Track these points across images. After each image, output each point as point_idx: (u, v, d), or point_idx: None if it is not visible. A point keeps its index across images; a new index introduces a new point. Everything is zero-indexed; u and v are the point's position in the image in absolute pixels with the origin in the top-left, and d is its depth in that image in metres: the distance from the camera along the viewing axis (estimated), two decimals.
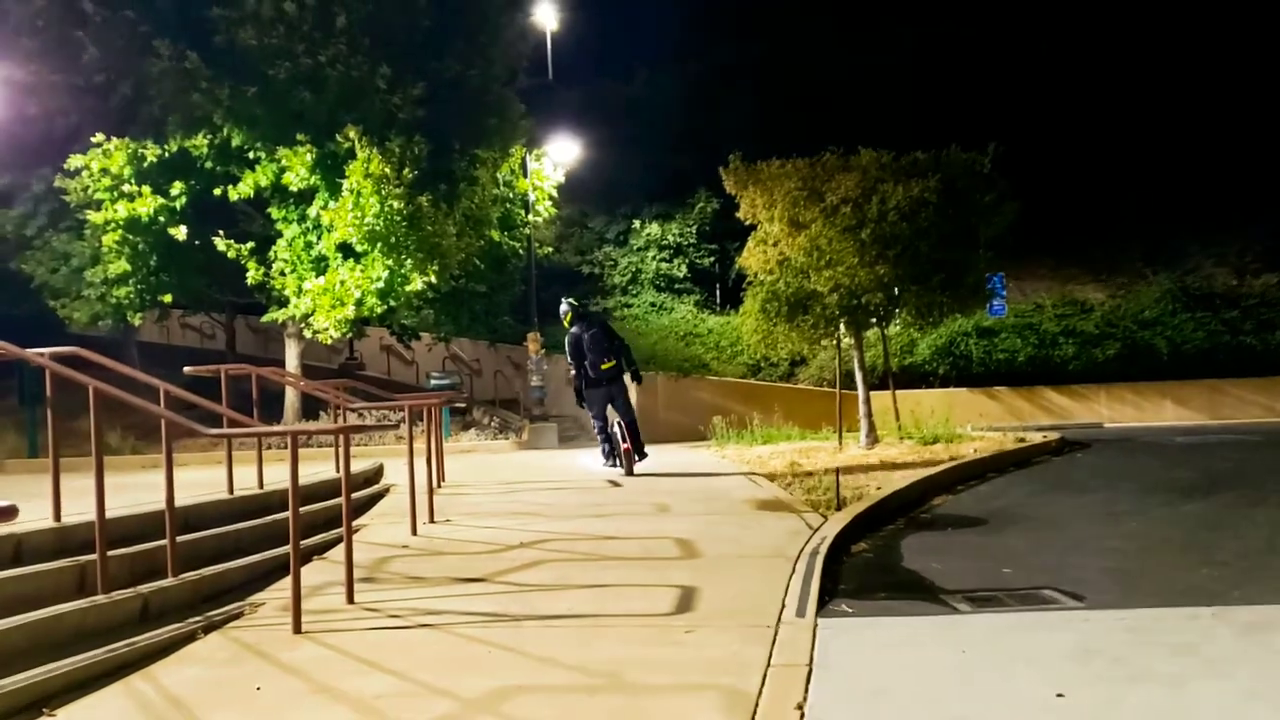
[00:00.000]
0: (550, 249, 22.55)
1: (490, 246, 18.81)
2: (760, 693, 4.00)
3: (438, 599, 5.94)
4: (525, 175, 19.89)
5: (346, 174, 15.53)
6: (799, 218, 13.84)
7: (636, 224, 25.70)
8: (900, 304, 14.32)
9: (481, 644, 4.96)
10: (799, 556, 6.60)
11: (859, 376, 14.71)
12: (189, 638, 5.27)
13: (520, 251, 20.19)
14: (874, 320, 14.80)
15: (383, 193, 15.29)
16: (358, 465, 10.30)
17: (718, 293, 25.80)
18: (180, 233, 17.41)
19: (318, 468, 10.12)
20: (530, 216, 20.10)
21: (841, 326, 14.51)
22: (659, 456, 12.93)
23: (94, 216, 17.54)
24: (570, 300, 12.78)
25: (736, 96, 26.94)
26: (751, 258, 14.63)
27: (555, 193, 20.38)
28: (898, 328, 17.28)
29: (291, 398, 18.67)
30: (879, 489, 9.73)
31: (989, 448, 13.53)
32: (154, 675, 4.67)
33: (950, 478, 11.12)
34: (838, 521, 7.85)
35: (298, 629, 5.27)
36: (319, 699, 4.25)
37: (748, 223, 14.83)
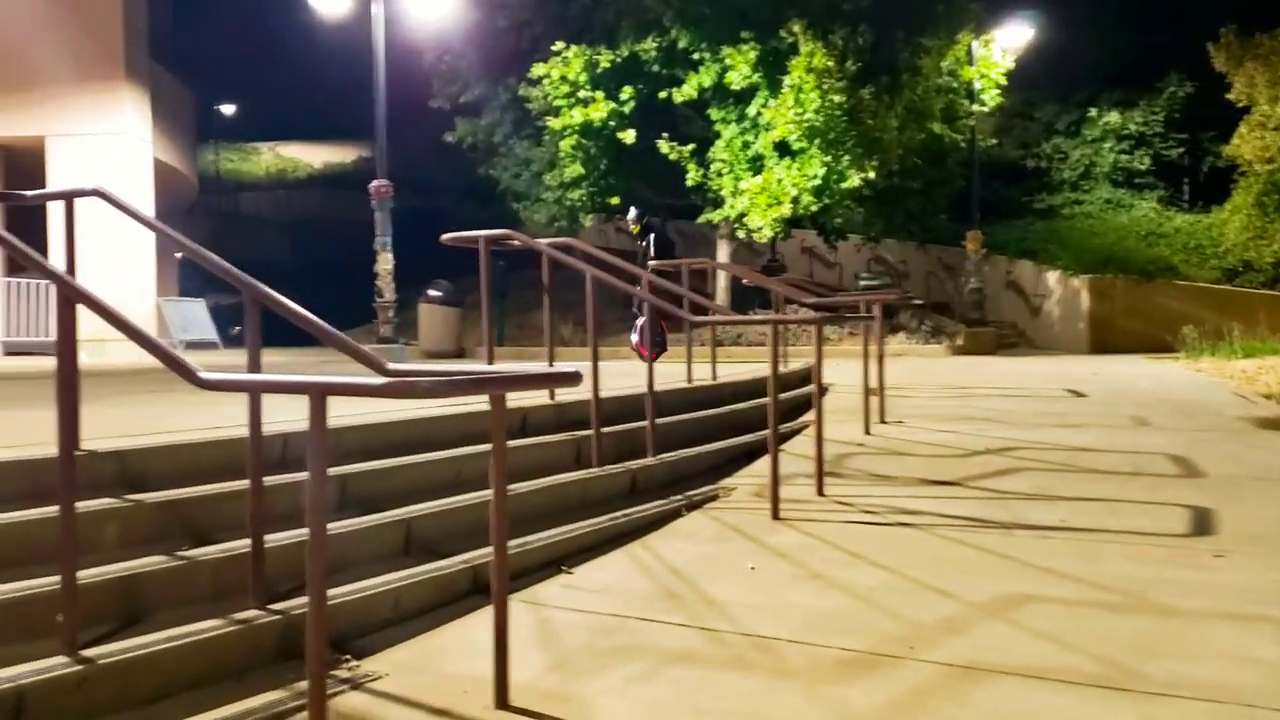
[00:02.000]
0: (993, 141, 21.13)
1: (930, 140, 17.96)
2: None
3: (909, 499, 5.73)
4: (971, 63, 18.66)
5: (788, 70, 15.42)
6: None
7: (1093, 112, 23.33)
8: None
9: (970, 548, 4.70)
10: None
11: None
12: (674, 514, 5.48)
13: (961, 145, 19.08)
14: None
15: (823, 87, 15.04)
16: (792, 365, 10.31)
17: (1185, 188, 22.96)
18: (629, 136, 18.26)
19: (741, 367, 10.18)
20: (974, 107, 18.88)
21: None
22: (1121, 367, 11.79)
23: (552, 122, 18.85)
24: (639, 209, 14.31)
25: None
26: (1245, 145, 12.76)
27: (1004, 80, 18.95)
28: None
29: (723, 299, 19.20)
30: None
31: None
32: (650, 545, 4.88)
33: None
34: None
35: (776, 515, 5.29)
36: (813, 584, 4.21)
37: (1240, 105, 12.90)
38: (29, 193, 4.29)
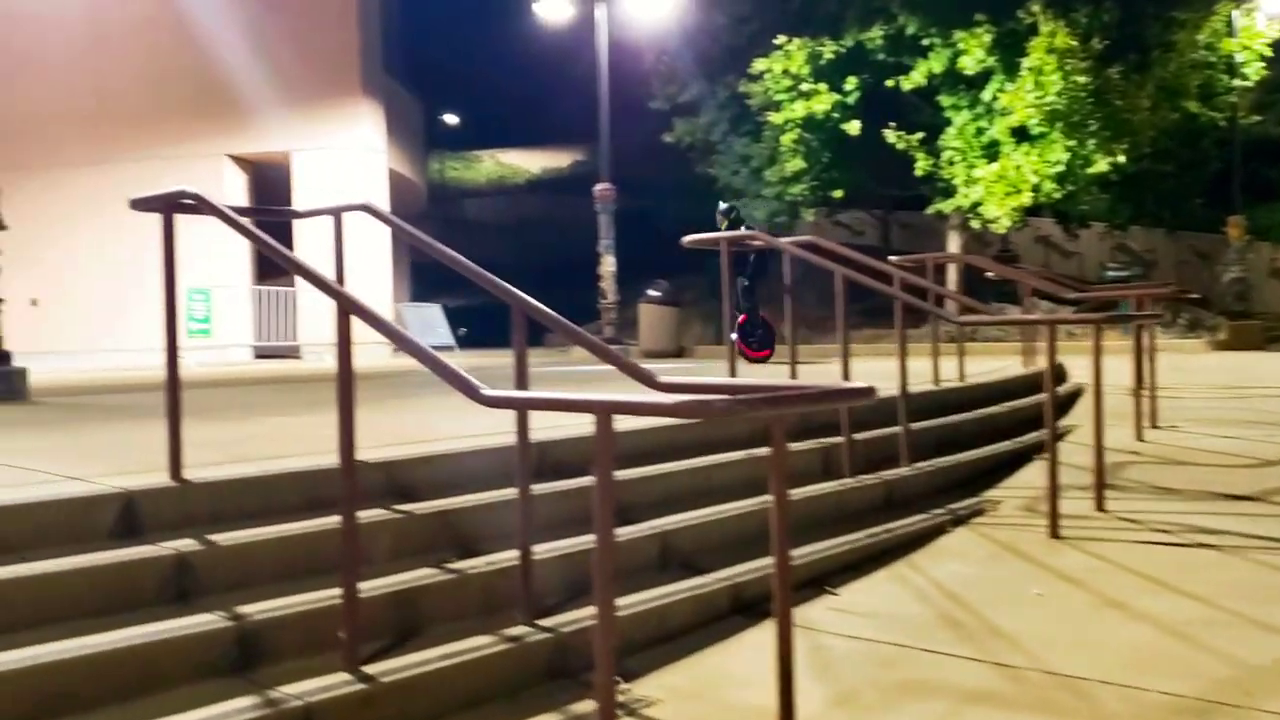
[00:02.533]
0: (1255, 118, 19.29)
1: (1184, 120, 16.55)
2: None
3: (1202, 515, 5.15)
4: (1232, 34, 17.06)
5: (1026, 51, 14.59)
6: None
7: None
8: None
9: None
10: None
11: None
12: (937, 530, 5.11)
13: (1219, 123, 17.50)
14: None
15: (1066, 68, 14.17)
16: (1039, 363, 9.59)
17: None
18: (853, 127, 17.74)
19: (980, 365, 9.52)
20: (1235, 82, 17.26)
21: None
22: None
23: (773, 117, 18.54)
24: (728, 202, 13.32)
25: None
26: None
27: (1269, 51, 17.23)
28: None
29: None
30: None
31: None
32: (917, 565, 4.55)
33: None
34: None
35: (1055, 533, 4.84)
36: (1113, 614, 3.79)
37: None
38: (301, 209, 4.41)
